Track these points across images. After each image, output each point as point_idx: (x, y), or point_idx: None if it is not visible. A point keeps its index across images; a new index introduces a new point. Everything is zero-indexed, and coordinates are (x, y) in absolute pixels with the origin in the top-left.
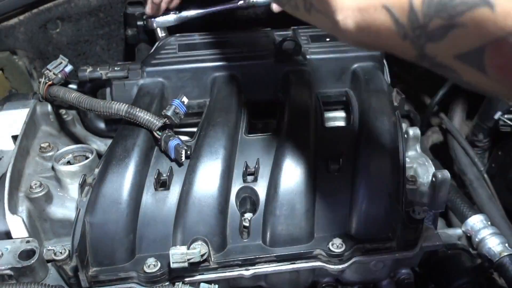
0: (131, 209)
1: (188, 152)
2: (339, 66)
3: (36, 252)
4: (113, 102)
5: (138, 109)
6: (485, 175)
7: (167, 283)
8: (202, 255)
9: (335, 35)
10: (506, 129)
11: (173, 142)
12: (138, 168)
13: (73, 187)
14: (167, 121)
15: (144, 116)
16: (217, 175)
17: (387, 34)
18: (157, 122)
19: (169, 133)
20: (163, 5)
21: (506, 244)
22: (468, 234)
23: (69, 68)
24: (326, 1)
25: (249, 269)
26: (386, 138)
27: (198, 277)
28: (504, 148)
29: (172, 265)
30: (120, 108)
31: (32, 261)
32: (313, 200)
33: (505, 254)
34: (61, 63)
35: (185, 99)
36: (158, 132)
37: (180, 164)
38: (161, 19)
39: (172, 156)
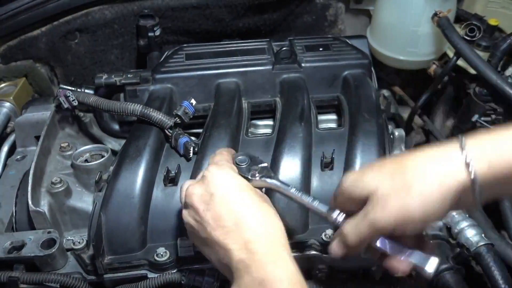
0: (143, 203)
1: (196, 149)
2: (331, 73)
3: (56, 242)
4: (128, 103)
5: (151, 109)
6: None
7: (175, 270)
8: None
9: None
10: None
11: (182, 140)
12: (149, 165)
13: (90, 183)
14: (178, 120)
15: (157, 115)
16: None
17: None
18: (168, 121)
19: (179, 131)
20: None
21: (483, 235)
22: (448, 226)
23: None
24: None
25: None
26: (374, 139)
27: (204, 265)
28: None
29: (180, 254)
30: (135, 108)
31: (53, 250)
32: (308, 194)
33: (482, 244)
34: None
35: (193, 101)
36: (169, 130)
37: (188, 160)
38: None
39: (181, 152)
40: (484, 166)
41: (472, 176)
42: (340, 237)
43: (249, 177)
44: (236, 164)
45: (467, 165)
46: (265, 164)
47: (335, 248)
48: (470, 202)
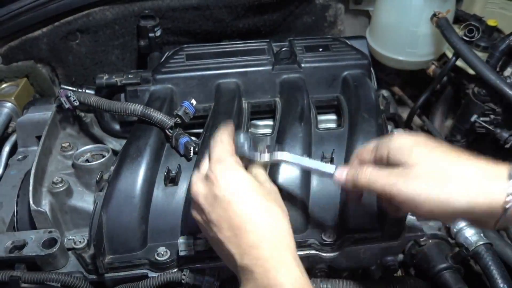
0: (143, 202)
1: (196, 149)
2: (331, 73)
3: (57, 241)
4: (129, 103)
5: (152, 110)
6: None
7: (175, 270)
8: (207, 245)
9: None
10: (481, 130)
11: (183, 140)
12: (149, 165)
13: (91, 183)
14: (178, 120)
15: (157, 115)
16: None
17: None
18: (169, 121)
19: (180, 131)
20: None
21: (481, 234)
22: (447, 225)
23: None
24: None
25: None
26: (373, 139)
27: (204, 265)
28: (479, 147)
29: (181, 253)
30: (136, 108)
31: (54, 250)
32: (308, 194)
33: (481, 243)
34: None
35: (193, 101)
36: (169, 130)
37: (188, 160)
38: None
39: (182, 152)
40: None
41: (507, 206)
42: (355, 171)
43: (259, 157)
44: (239, 148)
45: (507, 197)
46: (268, 142)
47: (342, 175)
48: (487, 224)
